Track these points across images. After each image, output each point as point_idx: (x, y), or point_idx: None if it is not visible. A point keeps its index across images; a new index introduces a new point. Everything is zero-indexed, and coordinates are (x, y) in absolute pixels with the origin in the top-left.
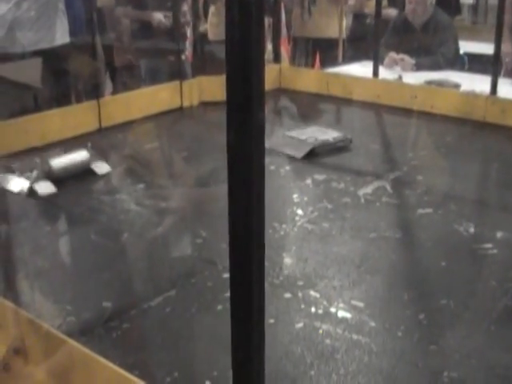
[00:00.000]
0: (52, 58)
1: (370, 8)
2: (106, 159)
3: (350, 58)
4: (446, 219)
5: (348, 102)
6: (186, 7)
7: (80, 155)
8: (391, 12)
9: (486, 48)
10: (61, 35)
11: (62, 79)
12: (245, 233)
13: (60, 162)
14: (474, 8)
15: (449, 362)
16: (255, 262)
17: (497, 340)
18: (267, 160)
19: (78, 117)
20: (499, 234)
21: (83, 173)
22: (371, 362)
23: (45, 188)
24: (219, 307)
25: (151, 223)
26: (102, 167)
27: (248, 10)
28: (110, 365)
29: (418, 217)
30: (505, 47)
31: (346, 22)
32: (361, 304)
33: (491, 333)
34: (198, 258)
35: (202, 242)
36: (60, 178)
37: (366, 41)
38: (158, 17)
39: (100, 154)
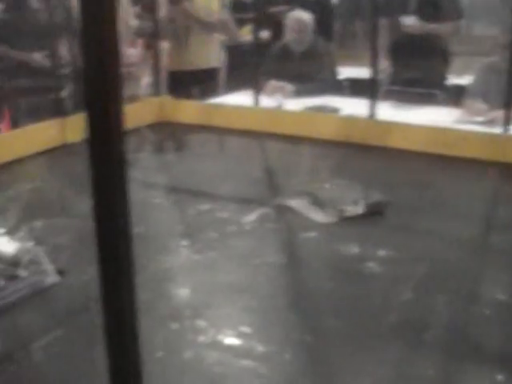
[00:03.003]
0: None
1: (243, 36)
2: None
3: (230, 88)
4: (331, 241)
5: (230, 131)
6: (63, 48)
7: None
8: (263, 34)
9: (364, 72)
10: None
11: None
12: (113, 264)
13: None
14: (354, 34)
15: (336, 381)
16: (125, 293)
17: (383, 355)
18: (151, 193)
19: None
20: (382, 253)
21: None
22: None
23: None
24: None
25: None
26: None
27: (104, 47)
28: None
29: (302, 240)
30: (382, 64)
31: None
32: (249, 330)
33: (378, 348)
34: (86, 295)
35: (89, 278)
36: None
37: (244, 70)
38: (38, 57)
39: None
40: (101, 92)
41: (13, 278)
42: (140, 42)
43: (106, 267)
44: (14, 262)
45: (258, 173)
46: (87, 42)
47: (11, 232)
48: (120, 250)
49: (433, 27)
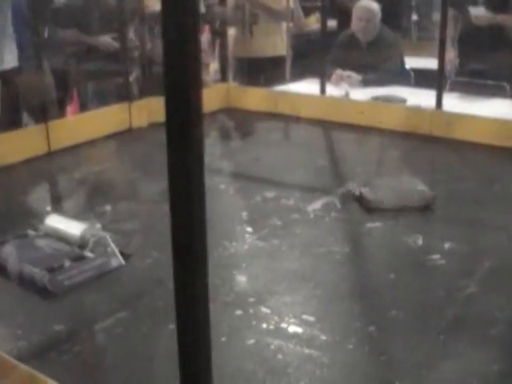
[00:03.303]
0: (7, 81)
1: (309, 25)
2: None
3: (296, 76)
4: (395, 232)
5: (296, 119)
6: (131, 32)
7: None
8: (330, 23)
9: (431, 63)
10: (10, 59)
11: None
12: (187, 247)
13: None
14: (419, 24)
15: (399, 372)
16: (198, 278)
17: (446, 349)
18: (217, 179)
19: (26, 141)
20: (447, 245)
21: None
22: (323, 375)
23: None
24: (171, 326)
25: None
26: None
27: (184, 32)
28: None
29: (366, 230)
30: (448, 55)
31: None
32: (311, 318)
33: (440, 342)
34: (150, 279)
35: (153, 262)
36: None
37: (310, 58)
38: (107, 40)
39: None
40: (181, 77)
41: (79, 259)
42: (206, 28)
43: (181, 252)
44: (80, 244)
45: (323, 161)
46: (168, 27)
47: (78, 214)
48: (195, 235)
49: (502, 18)
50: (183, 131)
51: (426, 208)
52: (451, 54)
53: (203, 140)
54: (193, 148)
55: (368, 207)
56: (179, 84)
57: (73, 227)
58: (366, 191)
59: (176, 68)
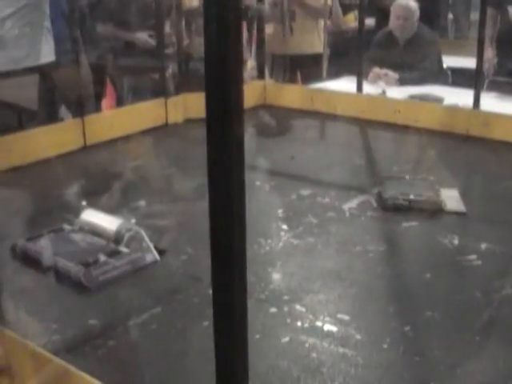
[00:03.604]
0: (45, 75)
1: (347, 23)
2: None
3: (333, 74)
4: (431, 232)
5: (332, 117)
6: (168, 28)
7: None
8: (368, 21)
9: (469, 62)
10: (46, 53)
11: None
12: (225, 245)
13: None
14: (457, 23)
15: (434, 373)
16: (237, 276)
17: (482, 350)
18: (252, 176)
19: (62, 135)
20: (483, 246)
21: None
22: (357, 374)
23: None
24: (205, 323)
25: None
26: None
27: (226, 28)
28: (97, 382)
29: (402, 230)
30: (486, 54)
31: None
32: (346, 317)
33: (476, 343)
34: (184, 275)
35: (188, 258)
36: None
37: (347, 56)
38: (143, 37)
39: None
40: (222, 74)
41: (114, 254)
42: (243, 24)
43: (220, 251)
44: (115, 239)
45: (359, 160)
46: (209, 24)
47: (113, 209)
48: (235, 234)
49: None
50: (224, 129)
51: (437, 211)
52: (489, 54)
53: (243, 138)
54: (233, 146)
55: (383, 206)
56: (220, 81)
57: (108, 222)
58: (382, 190)
59: (217, 65)
